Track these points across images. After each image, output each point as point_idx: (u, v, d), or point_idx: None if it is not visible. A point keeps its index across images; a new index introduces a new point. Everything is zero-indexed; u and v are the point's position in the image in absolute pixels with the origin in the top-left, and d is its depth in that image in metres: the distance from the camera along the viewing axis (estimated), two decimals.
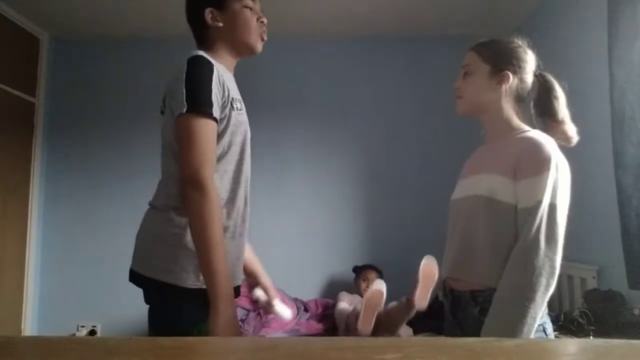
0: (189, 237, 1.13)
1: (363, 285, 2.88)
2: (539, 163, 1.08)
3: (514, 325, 1.00)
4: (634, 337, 1.84)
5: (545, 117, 1.22)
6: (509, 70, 1.22)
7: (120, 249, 3.40)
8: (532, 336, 1.00)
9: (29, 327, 3.28)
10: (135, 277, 1.23)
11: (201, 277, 1.12)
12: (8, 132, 3.16)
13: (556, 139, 1.16)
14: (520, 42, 1.29)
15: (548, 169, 1.06)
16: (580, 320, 2.07)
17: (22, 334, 3.19)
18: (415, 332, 2.76)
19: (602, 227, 2.34)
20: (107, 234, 3.43)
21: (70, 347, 0.58)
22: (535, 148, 1.10)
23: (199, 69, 1.15)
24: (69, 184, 3.49)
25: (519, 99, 1.24)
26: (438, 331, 2.75)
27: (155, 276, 1.16)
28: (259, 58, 4.03)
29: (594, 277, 2.35)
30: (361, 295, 2.78)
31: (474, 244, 1.15)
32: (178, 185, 1.14)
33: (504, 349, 0.57)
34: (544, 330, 1.09)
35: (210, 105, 1.12)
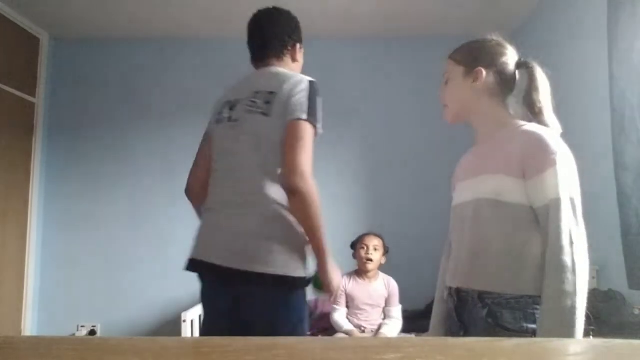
0: (297, 233, 1.32)
1: (362, 253, 2.62)
2: (545, 158, 1.03)
3: (570, 327, 0.97)
4: (634, 337, 1.84)
5: (526, 108, 1.19)
6: (481, 66, 1.19)
7: (120, 248, 3.42)
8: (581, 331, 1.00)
9: (29, 327, 3.28)
10: (234, 274, 1.28)
11: (306, 267, 1.34)
12: (8, 132, 3.16)
13: None
14: (493, 37, 1.25)
15: (556, 163, 1.02)
16: None
17: (22, 334, 3.19)
18: (415, 332, 2.77)
19: (602, 227, 2.34)
20: (107, 233, 3.43)
21: (70, 347, 0.58)
22: (539, 143, 1.06)
23: (317, 91, 1.38)
24: (69, 184, 3.49)
25: (504, 92, 1.20)
26: None
27: (276, 271, 1.27)
28: None
29: (594, 277, 2.35)
30: (360, 266, 2.61)
31: (485, 250, 1.11)
32: (280, 178, 1.31)
33: (504, 349, 0.57)
34: None
35: (320, 123, 1.37)
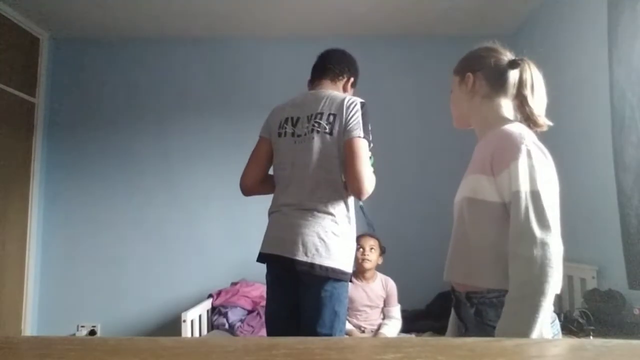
0: (350, 236, 1.63)
1: (358, 254, 2.57)
2: (508, 153, 1.05)
3: (527, 321, 0.97)
4: (634, 337, 1.84)
5: (516, 104, 1.21)
6: (469, 71, 1.24)
7: (120, 248, 3.42)
8: (546, 329, 0.99)
9: (29, 327, 3.28)
10: (300, 266, 1.55)
11: (352, 264, 1.63)
12: (8, 132, 3.17)
13: (530, 126, 1.16)
14: (486, 44, 1.28)
15: (517, 157, 1.03)
16: (580, 320, 2.07)
17: (22, 334, 3.19)
18: (415, 332, 2.77)
19: (602, 227, 2.34)
20: (107, 233, 3.43)
21: (70, 347, 0.58)
22: (503, 139, 1.09)
23: (367, 110, 1.65)
24: (69, 183, 3.49)
25: (497, 93, 1.21)
26: (438, 331, 2.75)
27: (336, 266, 1.55)
28: (259, 58, 4.03)
29: (594, 277, 2.35)
30: (357, 268, 2.57)
31: (463, 247, 1.16)
32: (333, 190, 1.61)
33: (504, 349, 0.57)
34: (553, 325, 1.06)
35: (371, 136, 1.64)
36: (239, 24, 3.39)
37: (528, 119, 1.17)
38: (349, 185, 1.58)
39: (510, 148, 1.05)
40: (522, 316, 0.98)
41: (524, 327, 0.96)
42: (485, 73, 1.22)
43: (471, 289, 1.13)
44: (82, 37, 3.55)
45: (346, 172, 1.58)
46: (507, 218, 1.06)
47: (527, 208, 1.01)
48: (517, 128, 1.11)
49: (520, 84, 1.19)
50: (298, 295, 1.61)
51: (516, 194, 1.02)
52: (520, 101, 1.19)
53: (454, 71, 1.32)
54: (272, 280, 1.70)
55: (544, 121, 1.17)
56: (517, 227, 1.01)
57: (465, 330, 1.19)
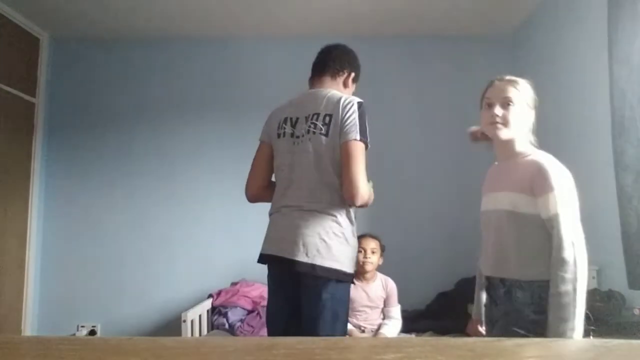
0: (350, 235, 1.61)
1: (360, 256, 2.53)
2: (549, 183, 1.36)
3: (574, 310, 1.29)
4: (634, 337, 1.84)
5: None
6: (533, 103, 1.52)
7: (120, 248, 3.42)
8: (580, 315, 1.30)
9: (29, 327, 3.28)
10: (301, 267, 1.54)
11: (354, 265, 1.63)
12: (8, 132, 3.16)
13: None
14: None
15: (556, 186, 1.35)
16: None
17: (22, 334, 3.19)
18: (416, 332, 2.77)
19: (602, 227, 2.34)
20: (107, 233, 3.43)
21: (70, 347, 0.58)
22: (544, 171, 1.38)
23: (365, 111, 1.64)
24: (69, 184, 3.49)
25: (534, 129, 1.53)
26: (438, 331, 2.75)
27: (338, 267, 1.55)
28: (260, 58, 4.03)
29: (594, 277, 2.35)
30: (358, 269, 2.50)
31: (505, 248, 1.45)
32: (332, 191, 1.60)
33: (504, 349, 0.57)
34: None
35: (368, 138, 1.63)
36: (240, 24, 3.38)
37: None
38: (343, 189, 1.57)
39: (549, 179, 1.36)
40: (566, 305, 1.30)
41: (574, 309, 1.29)
42: (534, 111, 1.51)
43: (506, 275, 1.45)
44: (82, 37, 3.55)
45: (341, 176, 1.58)
46: (540, 227, 1.39)
47: (566, 225, 1.35)
48: (550, 160, 1.41)
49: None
50: (299, 296, 1.60)
51: (556, 216, 1.35)
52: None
53: (521, 92, 1.48)
54: (273, 281, 1.70)
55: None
56: (560, 239, 1.34)
57: (495, 305, 1.51)
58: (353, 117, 1.59)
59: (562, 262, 1.32)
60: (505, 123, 1.45)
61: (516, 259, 1.42)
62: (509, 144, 1.48)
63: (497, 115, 1.45)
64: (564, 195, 1.36)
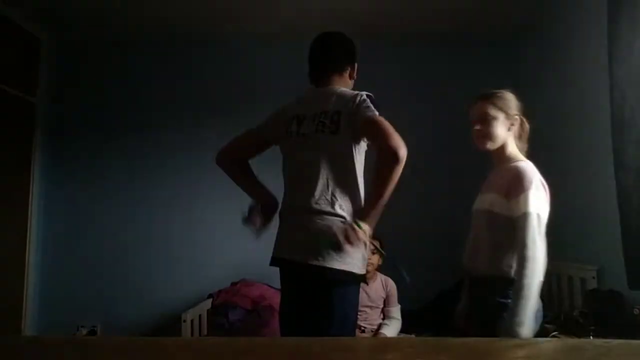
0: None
1: None
2: (522, 186, 1.51)
3: (527, 296, 1.42)
4: (634, 337, 1.83)
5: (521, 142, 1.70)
6: (516, 115, 1.66)
7: (120, 248, 3.42)
8: (533, 312, 1.43)
9: (29, 327, 3.28)
10: (311, 270, 1.54)
11: (364, 266, 1.61)
12: (8, 132, 3.16)
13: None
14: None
15: (528, 189, 1.49)
16: (580, 320, 2.07)
17: (22, 334, 3.19)
18: (416, 332, 2.77)
19: (602, 227, 2.34)
20: (107, 234, 3.43)
21: (70, 347, 0.58)
22: (519, 176, 1.54)
23: (375, 101, 1.62)
24: (69, 184, 3.48)
25: (519, 137, 1.69)
26: (438, 331, 2.75)
27: (348, 269, 1.54)
28: (260, 58, 4.02)
29: (594, 277, 2.35)
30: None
31: (480, 244, 1.60)
32: (341, 190, 1.60)
33: (504, 349, 0.57)
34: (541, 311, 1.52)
35: None
36: (240, 24, 3.38)
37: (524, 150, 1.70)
38: (386, 157, 1.52)
39: (523, 183, 1.51)
40: (520, 299, 1.44)
41: (526, 302, 1.43)
42: (519, 123, 1.67)
43: (480, 273, 1.61)
44: (82, 37, 3.55)
45: (377, 147, 1.55)
46: (511, 227, 1.50)
47: (532, 225, 1.46)
48: (528, 167, 1.56)
49: (522, 131, 1.69)
50: (311, 298, 1.60)
51: (525, 215, 1.47)
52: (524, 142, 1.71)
53: (498, 106, 1.65)
54: (285, 283, 1.70)
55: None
56: (524, 237, 1.46)
57: (470, 299, 1.67)
58: (366, 104, 1.58)
59: (523, 259, 1.45)
60: (486, 136, 1.64)
61: (487, 255, 1.57)
62: (497, 152, 1.66)
63: (479, 131, 1.65)
64: (533, 199, 1.49)
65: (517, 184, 1.52)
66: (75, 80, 3.57)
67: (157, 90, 3.57)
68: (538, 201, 1.49)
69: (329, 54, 1.75)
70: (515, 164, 1.60)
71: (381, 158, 1.53)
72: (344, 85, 1.74)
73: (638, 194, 2.00)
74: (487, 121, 1.64)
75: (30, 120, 3.38)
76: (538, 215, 1.48)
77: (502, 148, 1.66)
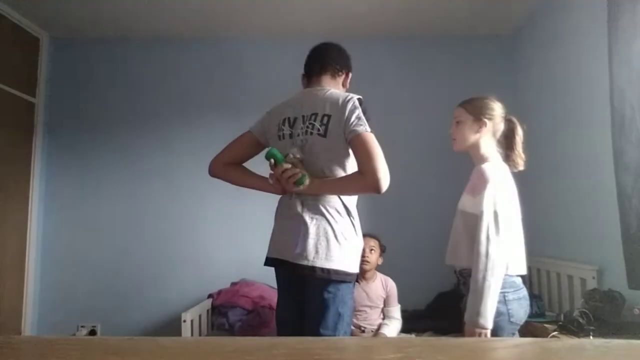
0: (353, 236, 1.62)
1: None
2: (482, 185, 1.61)
3: (481, 295, 1.53)
4: (634, 337, 1.83)
5: (507, 150, 1.75)
6: (486, 118, 1.73)
7: (120, 249, 3.42)
8: (493, 302, 1.53)
9: (29, 327, 3.28)
10: (302, 270, 1.55)
11: (357, 264, 1.63)
12: (8, 132, 3.16)
13: (510, 165, 1.71)
14: (493, 97, 1.78)
15: (487, 188, 1.59)
16: (580, 320, 2.06)
17: (22, 334, 3.19)
18: (416, 332, 2.77)
19: (602, 227, 2.34)
20: (107, 233, 3.43)
21: (70, 347, 0.58)
22: (480, 175, 1.64)
23: (365, 106, 1.62)
24: (69, 184, 3.48)
25: (493, 138, 1.75)
26: (438, 331, 2.75)
27: (338, 267, 1.56)
28: (260, 58, 4.02)
29: (594, 277, 2.35)
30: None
31: (456, 241, 1.73)
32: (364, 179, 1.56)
33: (504, 349, 0.57)
34: (505, 297, 1.58)
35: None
36: (240, 24, 3.39)
37: (509, 158, 1.75)
38: (367, 180, 1.51)
39: (483, 182, 1.61)
40: (479, 292, 1.55)
41: (481, 294, 1.54)
42: (493, 123, 1.74)
43: (462, 267, 1.72)
44: (82, 37, 3.55)
45: (360, 170, 1.55)
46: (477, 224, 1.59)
47: (487, 223, 1.57)
48: (491, 168, 1.64)
49: (513, 135, 1.75)
50: (303, 296, 1.62)
51: (481, 213, 1.58)
52: (511, 148, 1.75)
53: (468, 110, 1.74)
54: (280, 284, 1.73)
55: (522, 164, 1.75)
56: (479, 234, 1.57)
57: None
58: (357, 113, 1.57)
59: (476, 254, 1.55)
60: (455, 139, 1.78)
61: (465, 252, 1.67)
62: (472, 153, 1.76)
63: (450, 134, 1.79)
64: (492, 198, 1.58)
65: (478, 184, 1.63)
66: (74, 80, 3.57)
67: (157, 90, 3.57)
68: (494, 200, 1.57)
69: (324, 57, 1.78)
70: (480, 165, 1.69)
71: (362, 178, 1.53)
72: (336, 89, 1.75)
73: (638, 194, 2.00)
74: (456, 125, 1.77)
75: (30, 120, 3.38)
76: (495, 213, 1.56)
77: (476, 150, 1.74)
